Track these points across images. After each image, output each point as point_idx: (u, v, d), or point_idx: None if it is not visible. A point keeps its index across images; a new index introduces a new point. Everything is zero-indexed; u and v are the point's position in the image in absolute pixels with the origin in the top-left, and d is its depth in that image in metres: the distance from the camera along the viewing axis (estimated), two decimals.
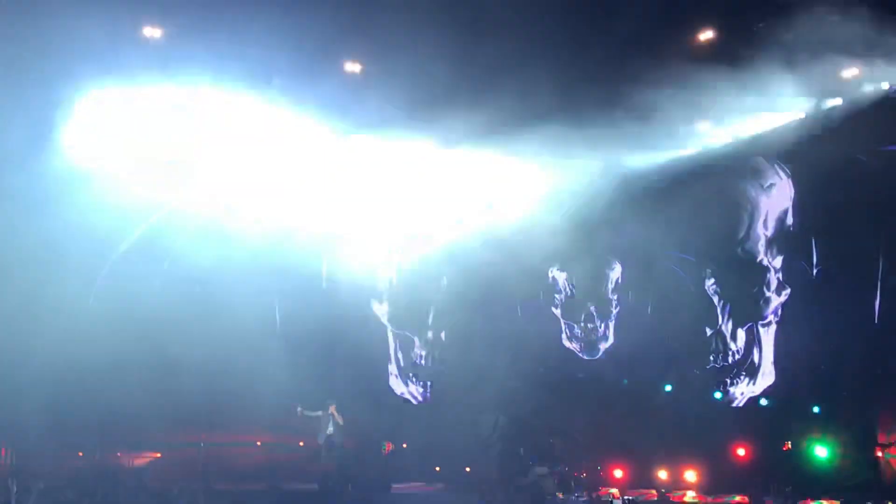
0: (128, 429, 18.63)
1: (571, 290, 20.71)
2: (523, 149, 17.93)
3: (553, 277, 20.96)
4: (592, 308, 20.64)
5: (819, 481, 16.44)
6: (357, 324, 19.73)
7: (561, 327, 20.76)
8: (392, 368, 20.67)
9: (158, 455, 18.64)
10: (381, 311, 20.46)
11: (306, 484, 15.77)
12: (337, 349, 19.39)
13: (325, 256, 19.86)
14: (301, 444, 19.27)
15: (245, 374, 20.07)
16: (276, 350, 19.23)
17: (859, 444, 17.47)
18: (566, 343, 20.70)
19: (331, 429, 18.28)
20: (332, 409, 18.44)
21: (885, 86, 16.71)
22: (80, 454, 17.72)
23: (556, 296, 20.90)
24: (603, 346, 20.66)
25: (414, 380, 20.73)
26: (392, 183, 19.42)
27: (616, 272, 20.52)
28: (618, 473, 18.11)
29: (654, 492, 15.26)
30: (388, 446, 19.78)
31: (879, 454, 17.33)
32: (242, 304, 17.81)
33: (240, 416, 19.61)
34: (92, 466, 16.98)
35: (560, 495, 15.60)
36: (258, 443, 19.66)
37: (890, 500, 14.80)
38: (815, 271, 18.80)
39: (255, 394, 19.89)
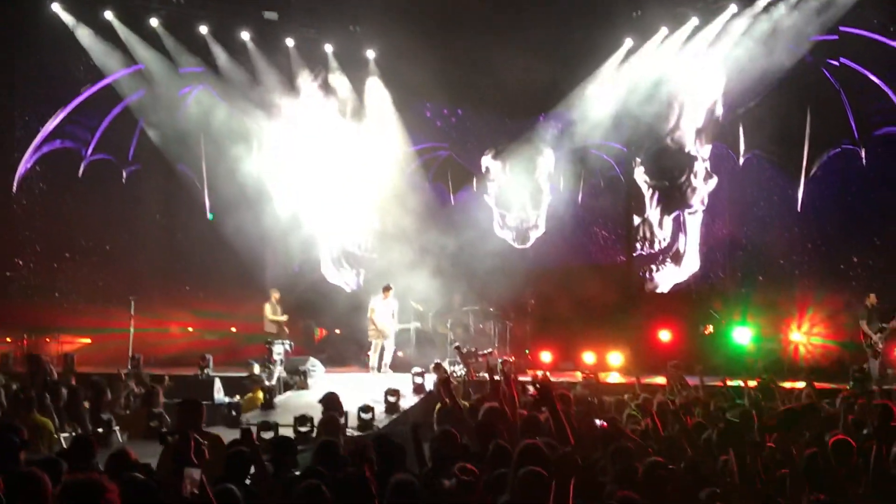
0: (58, 313, 18.57)
1: (505, 179, 20.81)
2: None
3: (486, 166, 21.01)
4: (525, 196, 20.78)
5: (738, 363, 16.98)
6: (289, 212, 19.59)
7: (493, 216, 20.96)
8: (324, 256, 20.70)
9: (89, 341, 18.57)
10: (314, 198, 20.32)
11: (238, 369, 15.86)
12: (269, 237, 19.29)
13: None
14: (233, 329, 19.35)
15: (178, 259, 20.14)
16: (211, 237, 19.22)
17: (776, 327, 18.07)
18: (498, 231, 20.90)
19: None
20: (274, 296, 18.46)
21: None
22: (9, 339, 17.54)
23: (489, 184, 21.00)
24: (534, 234, 20.91)
25: (347, 267, 20.83)
26: None
27: (548, 160, 20.62)
28: (545, 357, 18.58)
29: (579, 375, 15.63)
30: (322, 332, 19.96)
31: (795, 337, 17.97)
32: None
33: (172, 301, 19.66)
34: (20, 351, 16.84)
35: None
36: (189, 328, 19.68)
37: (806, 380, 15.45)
38: (741, 160, 19.09)
39: (186, 280, 19.99)
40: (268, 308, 18.35)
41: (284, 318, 18.38)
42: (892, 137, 17.53)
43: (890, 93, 17.40)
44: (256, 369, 14.88)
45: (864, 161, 17.71)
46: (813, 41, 17.74)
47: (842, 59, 17.73)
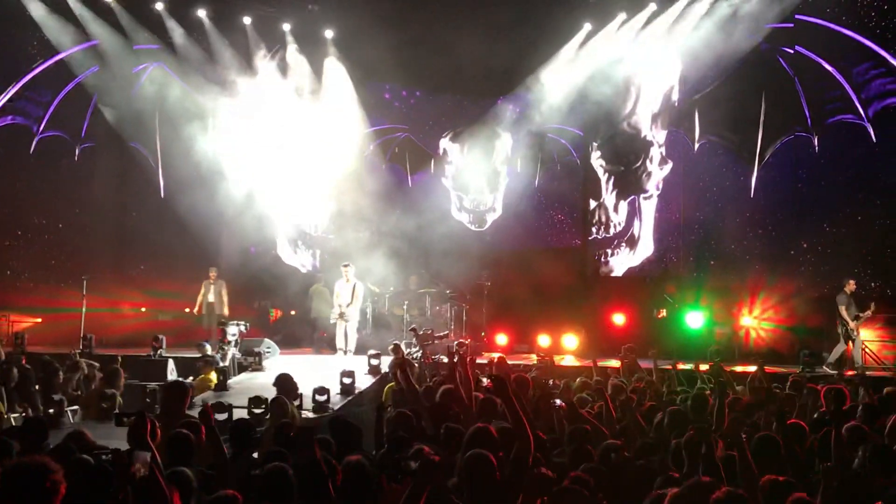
0: (8, 292, 18.32)
1: (462, 161, 20.82)
2: None
3: (444, 149, 21.00)
4: (482, 179, 20.81)
5: (691, 347, 17.20)
6: (244, 192, 19.41)
7: (451, 198, 20.97)
8: (280, 237, 20.58)
9: (39, 320, 18.33)
10: (270, 178, 20.18)
11: (192, 350, 15.73)
12: (224, 217, 19.12)
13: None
14: (187, 310, 19.21)
15: (131, 238, 19.91)
16: (165, 216, 19.02)
17: (728, 311, 18.33)
18: (455, 214, 20.92)
19: (212, 297, 18.17)
20: (212, 274, 18.25)
21: None
22: None
23: (447, 166, 20.99)
24: (491, 217, 20.96)
25: (303, 248, 20.73)
26: None
27: (506, 144, 20.66)
28: (501, 339, 18.69)
29: (534, 357, 15.75)
30: (277, 313, 19.87)
31: (747, 321, 18.23)
32: None
33: (124, 281, 19.45)
34: None
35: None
36: (142, 308, 19.49)
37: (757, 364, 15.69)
38: (696, 145, 19.27)
39: (139, 259, 19.78)
40: (203, 288, 18.22)
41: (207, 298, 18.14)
42: (845, 125, 17.80)
43: (843, 82, 17.66)
44: (208, 350, 14.77)
45: (816, 148, 17.96)
46: (769, 28, 17.92)
47: (797, 48, 17.94)
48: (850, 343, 15.60)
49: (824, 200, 17.91)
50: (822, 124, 17.94)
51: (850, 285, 15.86)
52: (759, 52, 18.18)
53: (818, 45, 17.76)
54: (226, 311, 17.94)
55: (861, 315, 15.64)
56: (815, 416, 8.52)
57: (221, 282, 18.25)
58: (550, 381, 11.53)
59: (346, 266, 16.90)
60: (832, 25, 17.55)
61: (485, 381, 8.32)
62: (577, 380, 11.31)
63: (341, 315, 16.69)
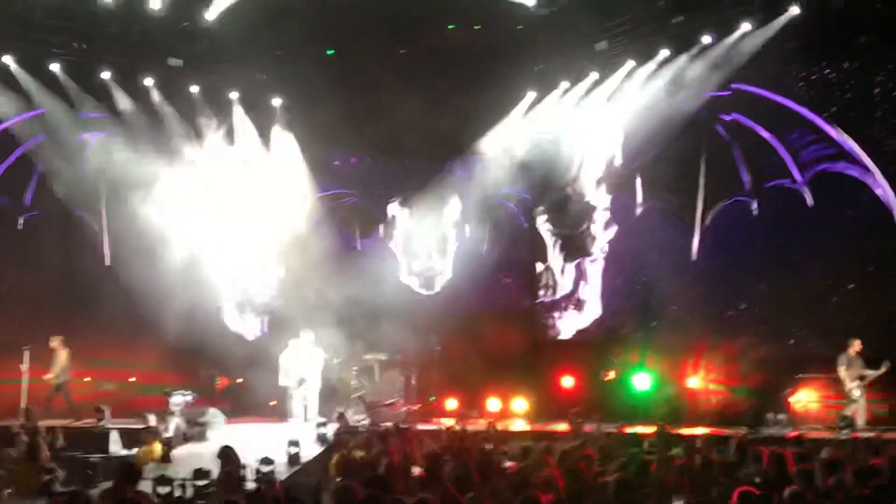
0: None
1: (411, 226, 20.96)
2: None
3: (393, 214, 21.14)
4: (431, 243, 20.95)
5: (637, 408, 17.33)
6: (191, 258, 19.30)
7: (400, 262, 21.05)
8: (228, 303, 20.45)
9: None
10: (217, 245, 20.12)
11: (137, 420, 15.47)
12: (170, 283, 18.95)
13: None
14: (132, 379, 18.92)
15: (75, 308, 19.63)
16: (110, 285, 18.81)
17: (674, 372, 18.48)
18: (404, 278, 20.99)
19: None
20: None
21: (706, 39, 17.51)
22: None
23: (396, 231, 21.11)
24: (440, 281, 21.05)
25: (251, 315, 20.60)
26: None
27: (454, 208, 20.86)
28: (451, 404, 18.65)
29: (482, 422, 15.76)
30: (223, 381, 19.63)
31: (693, 382, 18.38)
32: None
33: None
34: None
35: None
36: (86, 378, 19.17)
37: (703, 425, 15.81)
38: (639, 209, 19.61)
39: (83, 329, 19.45)
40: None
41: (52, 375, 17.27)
42: (782, 190, 18.24)
43: (779, 147, 18.15)
44: (152, 420, 14.56)
45: (755, 212, 18.38)
46: (707, 97, 18.43)
47: (734, 115, 18.45)
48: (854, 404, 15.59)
49: (761, 262, 18.27)
50: (760, 189, 18.37)
51: (855, 345, 15.74)
52: (698, 118, 18.66)
53: (755, 113, 18.26)
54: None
55: (867, 374, 15.61)
56: (758, 480, 8.60)
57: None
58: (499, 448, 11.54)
59: (305, 332, 16.90)
60: (767, 93, 18.11)
61: (417, 470, 8.32)
62: (524, 445, 11.33)
63: (300, 382, 16.59)
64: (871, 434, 12.23)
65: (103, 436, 14.47)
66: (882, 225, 17.25)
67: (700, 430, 14.93)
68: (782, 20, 16.70)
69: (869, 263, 17.41)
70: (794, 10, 16.43)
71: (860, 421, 15.29)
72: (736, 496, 6.88)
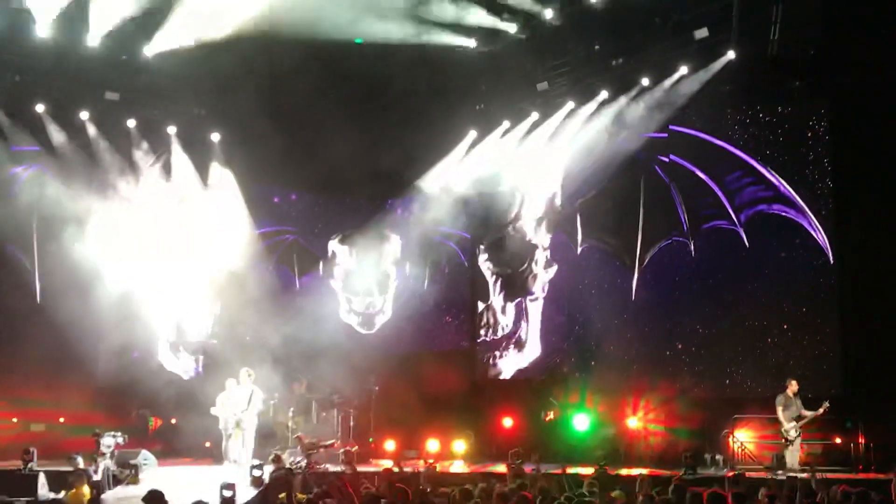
0: None
1: (351, 264, 20.83)
2: None
3: (333, 251, 21.00)
4: (371, 281, 20.83)
5: (577, 449, 17.34)
6: (124, 296, 18.89)
7: (340, 300, 20.87)
8: (161, 343, 20.04)
9: None
10: (152, 282, 19.74)
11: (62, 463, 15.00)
12: (103, 322, 18.50)
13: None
14: (62, 420, 18.39)
15: (2, 346, 19.05)
16: (40, 322, 18.31)
17: (613, 413, 18.54)
18: (344, 317, 20.81)
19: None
20: None
21: (645, 82, 17.83)
22: None
23: (336, 269, 20.96)
24: (380, 320, 20.92)
25: (185, 354, 20.21)
26: None
27: (395, 246, 20.80)
28: (390, 445, 18.45)
29: (421, 463, 15.59)
30: (157, 422, 19.20)
31: (632, 423, 18.45)
32: None
33: None
34: None
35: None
36: (13, 419, 18.61)
37: (642, 466, 15.85)
38: (579, 249, 19.73)
39: (10, 367, 18.91)
40: None
41: None
42: (719, 231, 18.52)
43: (716, 189, 18.44)
44: (80, 462, 14.14)
45: (692, 253, 18.60)
46: (645, 138, 18.69)
47: (671, 156, 18.72)
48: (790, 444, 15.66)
49: (698, 303, 18.49)
50: (697, 229, 18.62)
51: (792, 386, 15.84)
52: (637, 159, 18.90)
53: (692, 154, 18.57)
54: None
55: (805, 414, 15.67)
56: None
57: None
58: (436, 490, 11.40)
59: (246, 371, 16.62)
60: (703, 135, 18.44)
61: None
62: (463, 488, 11.19)
63: (238, 423, 16.26)
64: (805, 474, 12.31)
65: (31, 478, 13.99)
66: (816, 266, 17.60)
67: (639, 471, 14.92)
68: (718, 64, 17.10)
69: (803, 304, 17.72)
70: (731, 55, 16.84)
71: (794, 461, 15.44)
72: None
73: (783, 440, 15.69)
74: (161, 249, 19.52)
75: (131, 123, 19.19)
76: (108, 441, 14.66)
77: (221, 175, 20.02)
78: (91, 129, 18.90)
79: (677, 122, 18.51)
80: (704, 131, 18.48)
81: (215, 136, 19.84)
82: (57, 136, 18.68)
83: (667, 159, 18.78)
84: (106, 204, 18.91)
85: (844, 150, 17.57)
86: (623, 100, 18.33)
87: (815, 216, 17.54)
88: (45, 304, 18.76)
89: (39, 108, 18.40)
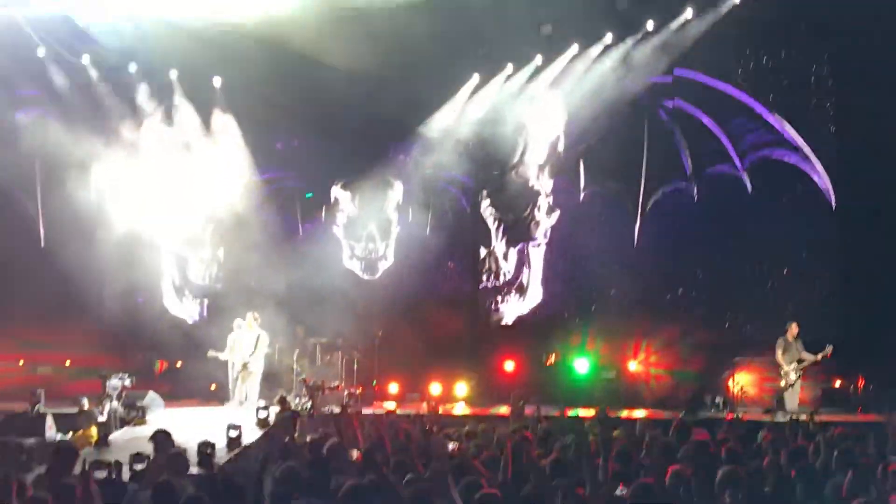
0: None
1: (354, 210, 20.83)
2: None
3: (335, 197, 20.98)
4: (373, 227, 20.85)
5: (578, 392, 17.53)
6: (129, 241, 18.95)
7: (342, 246, 20.93)
8: (166, 286, 20.17)
9: None
10: (156, 228, 19.82)
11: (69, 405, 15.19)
12: (107, 266, 18.59)
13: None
14: (68, 362, 18.58)
15: (8, 289, 19.17)
16: (46, 267, 18.42)
17: (614, 357, 18.72)
18: (347, 263, 20.87)
19: None
20: None
21: (650, 25, 17.70)
22: None
23: (339, 215, 20.97)
24: (383, 266, 20.98)
25: (190, 298, 20.34)
26: None
27: (397, 192, 20.78)
28: (393, 388, 18.65)
29: (424, 405, 15.80)
30: (162, 365, 19.38)
31: (633, 366, 18.63)
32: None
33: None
34: None
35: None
36: (20, 362, 18.80)
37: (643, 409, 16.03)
38: (581, 195, 19.74)
39: (16, 311, 19.06)
40: None
41: None
42: (722, 176, 18.51)
43: (720, 134, 18.40)
44: (86, 404, 14.32)
45: (695, 198, 18.61)
46: (650, 82, 18.59)
47: (676, 100, 18.64)
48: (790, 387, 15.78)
49: (699, 248, 18.56)
50: (700, 175, 18.61)
51: (792, 329, 16.00)
52: (640, 104, 18.82)
53: (696, 99, 18.49)
54: None
55: (806, 357, 15.85)
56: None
57: None
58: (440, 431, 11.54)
59: (252, 315, 16.70)
60: (708, 79, 18.33)
61: (356, 453, 8.28)
62: (465, 427, 11.37)
63: (245, 366, 16.39)
64: (804, 416, 12.46)
65: (38, 420, 14.18)
66: (818, 211, 17.64)
67: (639, 413, 15.12)
68: (724, 7, 16.96)
69: (804, 249, 17.79)
70: None
71: (794, 403, 15.60)
72: (669, 474, 6.96)
73: (783, 383, 15.85)
74: (165, 194, 19.54)
75: (133, 68, 19.09)
76: (115, 383, 14.81)
77: (224, 121, 19.95)
78: (93, 74, 18.80)
79: (682, 67, 18.39)
80: (709, 75, 18.38)
81: (217, 81, 19.73)
82: (59, 80, 18.61)
83: (671, 104, 18.70)
84: (110, 149, 18.88)
85: (848, 94, 17.51)
86: (628, 43, 18.20)
87: (818, 161, 17.51)
88: (49, 249, 18.87)
89: (41, 52, 18.30)
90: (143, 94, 19.37)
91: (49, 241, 19.10)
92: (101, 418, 13.67)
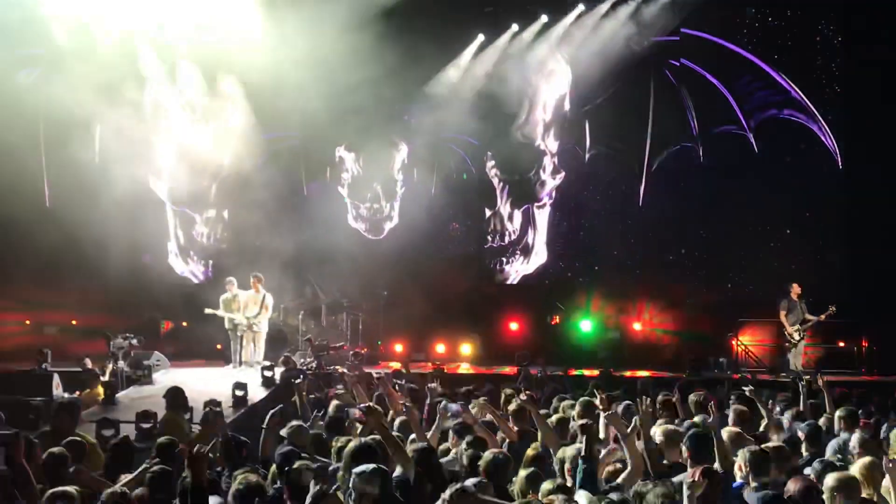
0: None
1: (358, 170, 20.78)
2: None
3: (340, 157, 20.93)
4: (378, 188, 20.82)
5: (582, 352, 17.61)
6: (133, 201, 18.92)
7: (347, 207, 20.92)
8: (171, 247, 20.20)
9: None
10: (161, 187, 19.81)
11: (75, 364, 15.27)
12: (112, 226, 18.56)
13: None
14: (74, 322, 18.64)
15: (13, 249, 19.20)
16: (51, 226, 18.40)
17: (618, 317, 18.78)
18: (352, 223, 20.87)
19: None
20: None
21: None
22: None
23: (343, 175, 20.92)
24: (388, 226, 20.97)
25: (195, 258, 20.37)
26: None
27: (402, 153, 20.72)
28: (398, 348, 18.73)
29: (430, 364, 15.88)
30: (167, 325, 19.44)
31: (636, 326, 18.70)
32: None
33: (6, 293, 18.79)
34: None
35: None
36: (26, 321, 18.87)
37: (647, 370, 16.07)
38: (587, 156, 19.67)
39: (22, 271, 19.10)
40: None
41: None
42: (729, 136, 18.44)
43: (726, 93, 18.30)
44: (88, 364, 14.40)
45: (701, 158, 18.56)
46: (656, 41, 18.45)
47: (682, 60, 18.51)
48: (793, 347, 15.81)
49: (703, 208, 18.57)
50: (706, 135, 18.53)
51: (795, 289, 15.87)
52: (646, 64, 18.70)
53: (702, 58, 18.37)
54: None
55: (810, 318, 15.82)
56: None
57: None
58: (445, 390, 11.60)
59: (255, 277, 16.55)
60: (716, 39, 18.20)
61: (357, 412, 8.31)
62: (464, 389, 11.45)
63: (250, 327, 16.33)
64: (808, 377, 12.50)
65: (46, 378, 14.25)
66: (824, 171, 17.58)
67: (643, 374, 15.18)
68: None
69: (808, 209, 17.78)
70: None
71: (798, 364, 15.64)
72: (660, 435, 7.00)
73: (787, 343, 15.87)
74: (170, 154, 19.50)
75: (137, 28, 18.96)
76: (120, 342, 14.86)
77: (227, 80, 19.80)
78: (96, 32, 18.65)
79: (689, 26, 18.24)
80: (716, 35, 18.24)
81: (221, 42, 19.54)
82: (62, 38, 18.45)
83: (678, 63, 18.58)
84: (115, 109, 18.77)
85: (854, 54, 17.42)
86: (634, 2, 18.05)
87: (824, 120, 17.44)
88: (54, 208, 18.86)
89: (45, 10, 18.13)
90: (146, 55, 19.22)
91: (54, 201, 19.07)
92: (104, 378, 13.71)
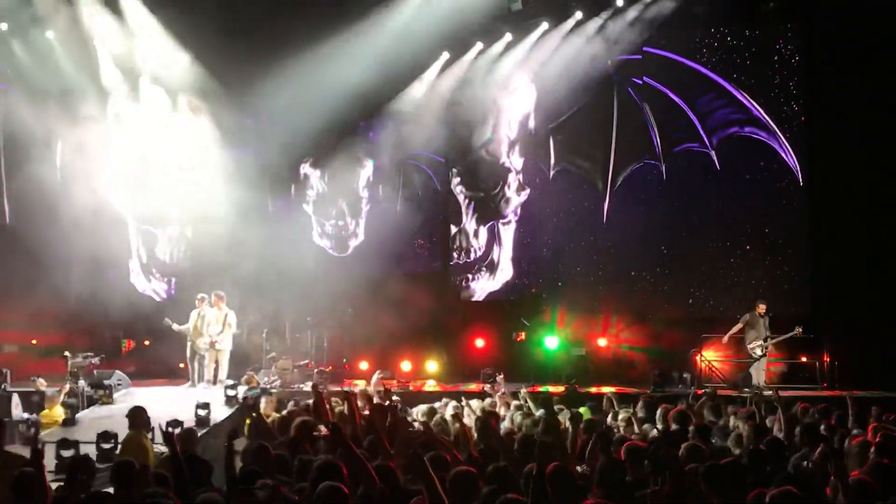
0: None
1: (323, 187, 20.73)
2: None
3: (305, 174, 20.87)
4: (343, 205, 20.78)
5: (546, 369, 17.64)
6: (95, 218, 18.72)
7: (312, 224, 20.85)
8: (134, 264, 20.00)
9: None
10: (123, 204, 19.63)
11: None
12: (73, 244, 18.35)
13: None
14: (34, 341, 18.41)
15: None
16: (11, 244, 18.20)
17: (583, 333, 18.85)
18: (317, 240, 20.81)
19: None
20: None
21: (619, 2, 17.77)
22: None
23: (308, 192, 20.87)
24: (353, 243, 20.92)
25: (157, 276, 20.18)
26: None
27: (367, 169, 20.71)
28: (363, 365, 18.65)
29: (394, 382, 15.83)
30: (129, 344, 19.24)
31: (601, 342, 18.78)
32: None
33: None
34: None
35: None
36: None
37: (611, 385, 16.12)
38: (551, 173, 19.77)
39: None
40: None
41: None
42: (690, 153, 18.62)
43: (688, 111, 18.49)
44: (42, 384, 14.21)
45: (664, 175, 18.72)
46: (619, 60, 18.64)
47: (645, 78, 18.70)
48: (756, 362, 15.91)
49: (665, 225, 18.74)
50: (669, 152, 18.72)
51: (760, 308, 16.13)
52: (609, 82, 18.88)
53: (665, 76, 18.58)
54: None
55: (772, 337, 15.96)
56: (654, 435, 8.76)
57: None
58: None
59: (217, 295, 16.41)
60: (677, 57, 18.42)
61: (323, 429, 8.25)
62: (430, 406, 11.40)
63: (212, 345, 16.18)
64: (770, 393, 12.59)
65: (5, 399, 14.01)
66: (785, 188, 17.83)
67: (607, 389, 15.21)
68: None
69: (767, 225, 18.01)
70: None
71: (760, 379, 15.77)
72: (623, 451, 7.01)
73: (749, 359, 16.02)
74: (133, 171, 19.34)
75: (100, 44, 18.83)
76: (79, 361, 14.69)
77: (191, 97, 19.69)
78: (58, 49, 18.50)
79: (651, 44, 18.46)
80: (677, 53, 18.46)
81: (184, 58, 19.46)
82: (22, 54, 18.30)
83: (640, 81, 18.77)
84: (76, 126, 18.60)
85: (812, 72, 17.74)
86: (596, 21, 18.22)
87: (784, 138, 17.68)
88: (14, 225, 18.64)
89: (2, 26, 17.99)
90: (108, 72, 19.08)
91: (14, 218, 18.83)
92: (60, 398, 13.49)
